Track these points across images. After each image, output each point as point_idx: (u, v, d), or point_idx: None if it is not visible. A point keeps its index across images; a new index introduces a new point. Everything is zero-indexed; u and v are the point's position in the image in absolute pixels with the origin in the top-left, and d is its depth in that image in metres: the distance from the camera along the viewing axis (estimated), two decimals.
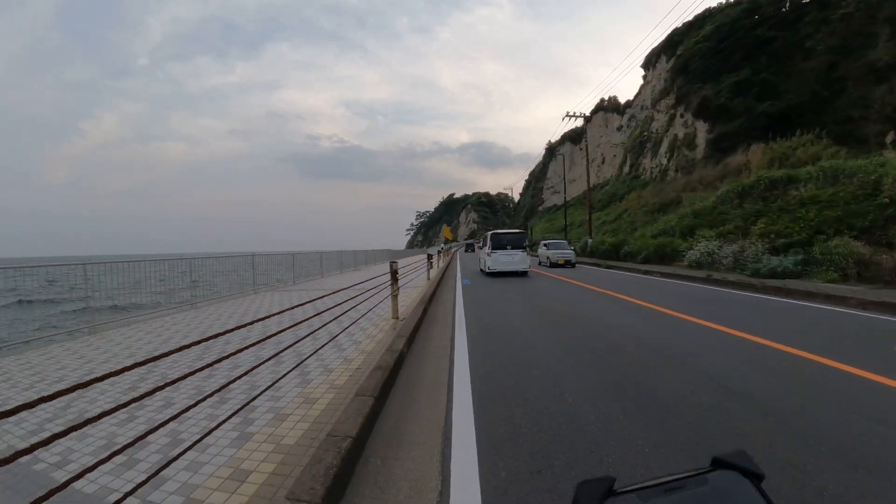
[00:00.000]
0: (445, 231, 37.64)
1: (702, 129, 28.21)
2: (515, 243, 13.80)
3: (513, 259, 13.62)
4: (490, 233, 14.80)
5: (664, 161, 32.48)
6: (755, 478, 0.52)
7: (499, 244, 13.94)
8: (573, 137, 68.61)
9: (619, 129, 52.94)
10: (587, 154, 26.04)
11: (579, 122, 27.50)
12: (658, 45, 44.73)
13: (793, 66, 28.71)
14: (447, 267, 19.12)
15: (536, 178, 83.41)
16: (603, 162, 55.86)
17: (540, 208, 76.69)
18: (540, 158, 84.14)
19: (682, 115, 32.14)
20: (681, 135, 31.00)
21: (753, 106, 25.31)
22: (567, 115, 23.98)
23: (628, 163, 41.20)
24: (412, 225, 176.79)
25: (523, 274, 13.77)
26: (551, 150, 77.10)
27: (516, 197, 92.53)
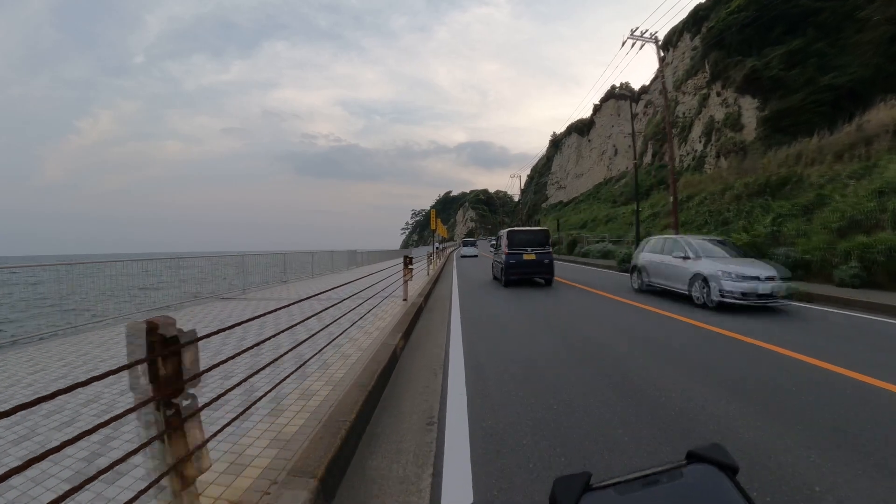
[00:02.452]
0: (435, 223, 26.88)
1: (749, 106, 24.81)
2: (471, 244, 34.41)
3: (469, 251, 31.96)
4: (462, 240, 40.24)
5: (698, 146, 29.09)
6: (730, 470, 0.53)
7: (465, 244, 34.72)
8: (580, 128, 65.28)
9: (635, 116, 49.62)
10: (666, 99, 21.67)
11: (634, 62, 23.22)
12: (680, 23, 41.51)
13: (846, 39, 25.51)
14: (425, 301, 8.20)
15: (539, 174, 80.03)
16: (616, 153, 52.49)
17: (544, 205, 73.29)
18: (543, 152, 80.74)
19: (718, 94, 28.77)
20: (719, 115, 27.61)
21: (814, 77, 21.94)
22: (631, 37, 16.82)
23: (650, 151, 37.80)
24: (407, 224, 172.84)
25: (475, 256, 30.99)
26: (556, 142, 73.72)
27: (517, 193, 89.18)
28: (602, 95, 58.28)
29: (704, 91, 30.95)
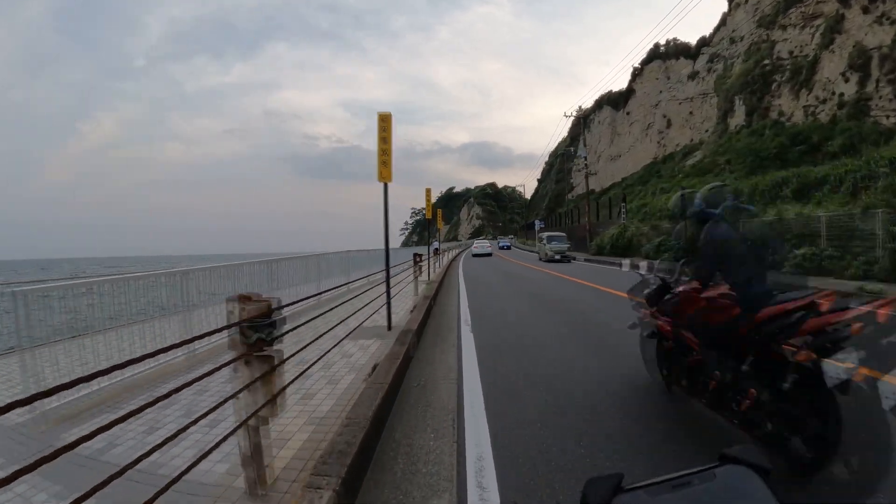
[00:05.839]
0: (433, 214, 18.21)
1: None
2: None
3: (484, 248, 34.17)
4: (474, 240, 45.87)
5: (845, 88, 20.82)
6: (763, 472, 0.54)
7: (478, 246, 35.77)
8: (613, 101, 57.00)
9: (693, 76, 41.30)
10: None
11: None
12: None
13: None
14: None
15: (561, 159, 71.75)
16: (669, 125, 44.15)
17: (569, 195, 64.83)
18: (565, 132, 72.39)
19: (865, 10, 20.55)
20: (878, 38, 19.39)
21: None
22: None
23: (740, 110, 29.48)
24: (406, 224, 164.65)
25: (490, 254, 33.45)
26: (583, 118, 65.19)
27: (533, 185, 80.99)
28: (644, 56, 49.98)
29: (833, 14, 22.72)
